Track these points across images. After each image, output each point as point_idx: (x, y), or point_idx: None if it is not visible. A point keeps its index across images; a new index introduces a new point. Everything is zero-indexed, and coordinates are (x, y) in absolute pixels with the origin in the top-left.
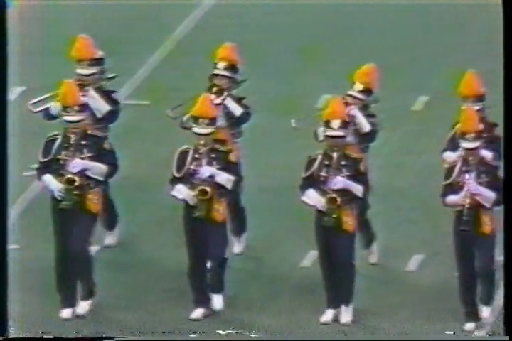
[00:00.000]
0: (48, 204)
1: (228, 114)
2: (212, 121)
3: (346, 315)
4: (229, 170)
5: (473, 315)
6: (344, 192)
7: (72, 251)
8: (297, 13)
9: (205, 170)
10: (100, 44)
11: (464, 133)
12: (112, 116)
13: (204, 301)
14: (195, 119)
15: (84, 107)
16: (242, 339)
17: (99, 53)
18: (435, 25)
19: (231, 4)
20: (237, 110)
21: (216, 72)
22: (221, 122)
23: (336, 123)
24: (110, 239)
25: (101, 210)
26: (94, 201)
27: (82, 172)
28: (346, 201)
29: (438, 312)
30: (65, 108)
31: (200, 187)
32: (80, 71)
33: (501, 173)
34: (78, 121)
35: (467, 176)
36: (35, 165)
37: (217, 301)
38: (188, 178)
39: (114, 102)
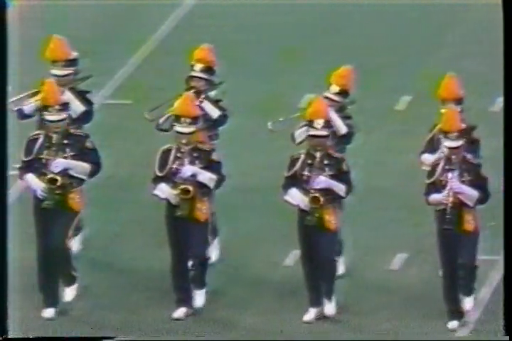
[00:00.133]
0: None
1: (205, 117)
2: (195, 120)
3: (330, 307)
4: (211, 169)
5: (457, 313)
6: (327, 191)
7: (52, 248)
8: (279, 13)
9: (187, 169)
10: (82, 43)
11: (447, 133)
12: (86, 116)
13: (186, 300)
14: (178, 118)
15: (65, 106)
16: (225, 338)
17: (74, 54)
18: (418, 25)
19: (212, 4)
20: (214, 112)
21: (193, 74)
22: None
23: (319, 122)
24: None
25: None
26: (76, 200)
27: (64, 172)
28: (329, 200)
29: (421, 310)
30: (47, 107)
31: (183, 186)
32: (54, 72)
33: (484, 172)
34: (60, 121)
35: (450, 175)
36: (18, 165)
37: (199, 298)
38: (170, 177)
39: (88, 103)
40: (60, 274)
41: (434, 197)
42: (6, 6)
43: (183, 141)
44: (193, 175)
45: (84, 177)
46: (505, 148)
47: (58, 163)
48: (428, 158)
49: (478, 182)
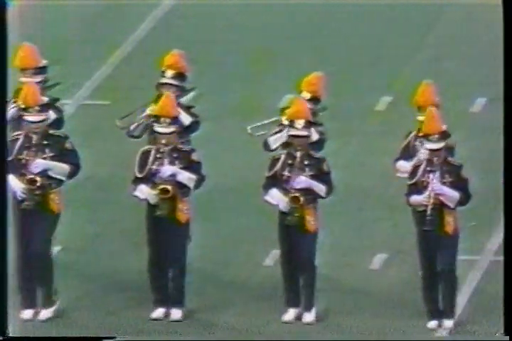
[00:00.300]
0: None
1: (177, 123)
2: (175, 120)
3: (309, 315)
4: (191, 169)
5: (436, 313)
6: (307, 191)
7: (33, 252)
8: (259, 13)
9: (167, 169)
10: (60, 44)
11: (428, 135)
12: (57, 124)
13: (165, 301)
14: (157, 118)
15: (45, 107)
16: (205, 339)
17: (43, 62)
18: (399, 25)
19: (191, 4)
20: (186, 119)
21: (164, 80)
22: None
23: (299, 122)
24: None
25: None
26: (56, 201)
27: (43, 173)
28: (309, 200)
29: (401, 310)
30: (27, 108)
31: (162, 186)
32: (24, 80)
33: (464, 173)
34: (40, 122)
35: (431, 176)
36: None
37: (176, 314)
38: (150, 178)
39: (58, 110)
40: (38, 278)
41: (415, 198)
42: (6, 6)
43: (163, 141)
44: (173, 175)
45: (63, 178)
46: (505, 147)
47: (38, 164)
48: (403, 165)
49: (459, 183)
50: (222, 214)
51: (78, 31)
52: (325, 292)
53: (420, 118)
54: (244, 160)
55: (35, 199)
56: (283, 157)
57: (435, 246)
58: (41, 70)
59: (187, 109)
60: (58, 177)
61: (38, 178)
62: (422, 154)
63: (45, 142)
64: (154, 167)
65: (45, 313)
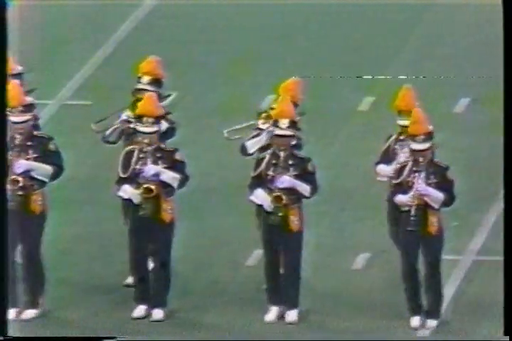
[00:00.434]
0: None
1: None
2: (157, 119)
3: (292, 315)
4: (175, 168)
5: (418, 309)
6: (290, 191)
7: (21, 252)
8: (241, 14)
9: (150, 168)
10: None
11: (414, 135)
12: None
13: (146, 298)
14: (140, 118)
15: (29, 108)
16: (187, 339)
17: (19, 68)
18: (382, 25)
19: (172, 5)
20: (163, 125)
21: (140, 86)
22: None
23: (284, 122)
24: None
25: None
26: (38, 202)
27: (26, 173)
28: (293, 200)
29: (384, 310)
30: (10, 109)
31: (145, 185)
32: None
33: (450, 175)
34: (23, 122)
35: (416, 177)
36: None
37: (158, 314)
38: (133, 178)
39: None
40: (25, 281)
41: (400, 198)
42: (6, 6)
43: (146, 141)
44: (156, 175)
45: (46, 180)
46: (505, 147)
47: (21, 164)
48: (383, 168)
49: (445, 184)
50: (204, 214)
51: (60, 31)
52: (308, 291)
53: (400, 122)
54: (227, 160)
55: (17, 200)
56: (268, 157)
57: (418, 246)
58: (16, 77)
59: (164, 114)
60: (41, 178)
61: (20, 179)
62: (402, 158)
63: (29, 143)
64: (138, 167)
65: (29, 313)
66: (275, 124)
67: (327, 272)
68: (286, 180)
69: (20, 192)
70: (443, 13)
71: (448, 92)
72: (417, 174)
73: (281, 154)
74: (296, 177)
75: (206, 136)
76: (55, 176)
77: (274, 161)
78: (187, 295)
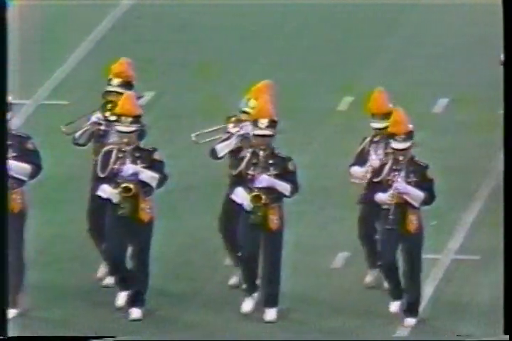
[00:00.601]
0: None
1: (123, 132)
2: (136, 119)
3: (271, 313)
4: (154, 168)
5: (398, 293)
6: (270, 190)
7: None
8: (219, 12)
9: (129, 168)
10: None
11: (394, 135)
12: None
13: (128, 287)
14: (119, 118)
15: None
16: (166, 337)
17: None
18: (362, 25)
19: (149, 4)
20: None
21: (110, 88)
22: (115, 139)
23: (263, 122)
24: None
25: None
26: (17, 201)
27: None
28: (273, 199)
29: (363, 308)
30: None
31: (124, 185)
32: None
33: (430, 173)
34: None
35: (396, 175)
36: None
37: (136, 313)
38: (112, 178)
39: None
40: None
41: (380, 196)
42: (6, 6)
43: (125, 140)
44: (135, 174)
45: (24, 179)
46: (505, 147)
47: None
48: (357, 170)
49: (424, 183)
50: (183, 213)
51: (36, 31)
52: (287, 290)
53: (374, 124)
54: (205, 160)
55: None
56: (248, 156)
57: (397, 244)
58: None
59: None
60: (19, 177)
61: None
62: (374, 160)
63: (7, 142)
64: (116, 166)
65: (10, 313)
66: (255, 124)
67: (306, 271)
68: (264, 180)
69: None
70: (423, 13)
71: (427, 92)
72: (396, 173)
73: (261, 153)
74: (277, 176)
75: (185, 135)
76: (33, 175)
77: (254, 161)
78: (165, 294)
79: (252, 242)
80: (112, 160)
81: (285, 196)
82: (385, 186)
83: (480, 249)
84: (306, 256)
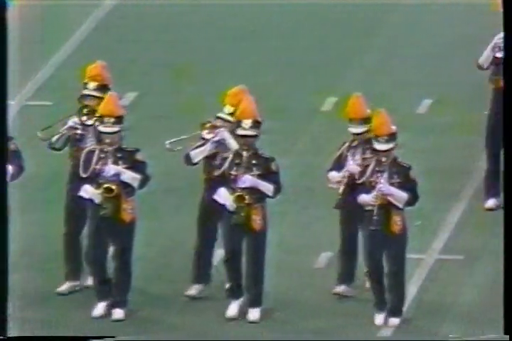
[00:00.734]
0: None
1: (99, 136)
2: (118, 119)
3: (254, 313)
4: (135, 169)
5: (383, 307)
6: (253, 190)
7: None
8: (203, 12)
9: (111, 168)
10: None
11: (377, 136)
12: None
13: (107, 298)
14: (101, 118)
15: None
16: (148, 338)
17: None
18: (346, 26)
19: (132, 4)
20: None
21: (86, 92)
22: (92, 143)
23: (247, 122)
24: None
25: None
26: None
27: None
28: (256, 199)
29: (346, 308)
30: None
31: (106, 185)
32: None
33: (413, 174)
34: None
35: (379, 177)
36: None
37: (118, 314)
38: (94, 178)
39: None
40: None
41: (363, 197)
42: (6, 6)
43: (107, 141)
44: (117, 175)
45: (7, 180)
46: (505, 147)
47: None
48: (334, 175)
49: (408, 184)
50: (165, 213)
51: (20, 31)
52: (271, 290)
53: (352, 129)
54: None
55: None
56: (231, 156)
57: (382, 245)
58: None
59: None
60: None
61: None
62: (351, 165)
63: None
64: (98, 167)
65: None
66: (238, 125)
67: (290, 271)
68: (247, 180)
69: None
70: (407, 14)
71: (411, 93)
72: (379, 174)
73: (245, 154)
74: (260, 176)
75: (167, 136)
76: (16, 176)
77: (237, 161)
78: (147, 294)
79: (235, 242)
80: (94, 160)
81: (268, 196)
82: (368, 187)
83: (464, 248)
84: (289, 256)
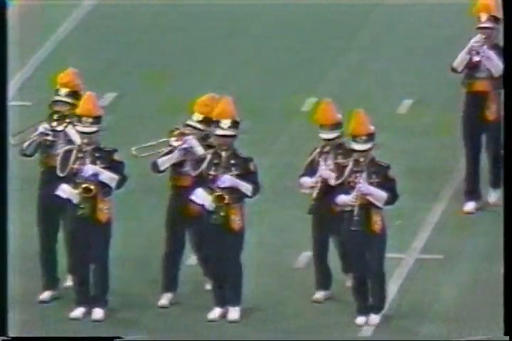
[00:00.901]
0: None
1: (70, 142)
2: (96, 119)
3: (234, 313)
4: (113, 169)
5: (365, 310)
6: (232, 190)
7: None
8: (183, 13)
9: (89, 168)
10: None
11: (356, 136)
12: None
13: (85, 300)
14: (79, 118)
15: None
16: (128, 339)
17: None
18: (327, 26)
19: (112, 4)
20: (77, 138)
21: (57, 98)
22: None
23: (225, 122)
24: None
25: None
26: None
27: None
28: (235, 199)
29: (326, 307)
30: None
31: (84, 185)
32: None
33: (392, 173)
34: None
35: (358, 177)
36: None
37: (98, 313)
38: (71, 178)
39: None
40: None
41: (342, 198)
42: (6, 6)
43: (85, 141)
44: (95, 175)
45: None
46: (505, 146)
47: None
48: (306, 180)
49: (387, 183)
50: (143, 213)
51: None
52: (250, 290)
53: (322, 135)
54: None
55: None
56: (209, 157)
57: (362, 245)
58: None
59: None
60: None
61: None
62: (323, 170)
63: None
64: (76, 166)
65: None
66: (217, 125)
67: (269, 270)
68: (227, 180)
69: None
70: (388, 14)
71: (391, 93)
72: (358, 174)
73: (223, 154)
74: (238, 176)
75: (146, 136)
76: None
77: (215, 161)
78: (126, 295)
79: (214, 242)
80: (72, 159)
81: (247, 196)
82: (346, 188)
83: (443, 248)
84: (269, 255)
